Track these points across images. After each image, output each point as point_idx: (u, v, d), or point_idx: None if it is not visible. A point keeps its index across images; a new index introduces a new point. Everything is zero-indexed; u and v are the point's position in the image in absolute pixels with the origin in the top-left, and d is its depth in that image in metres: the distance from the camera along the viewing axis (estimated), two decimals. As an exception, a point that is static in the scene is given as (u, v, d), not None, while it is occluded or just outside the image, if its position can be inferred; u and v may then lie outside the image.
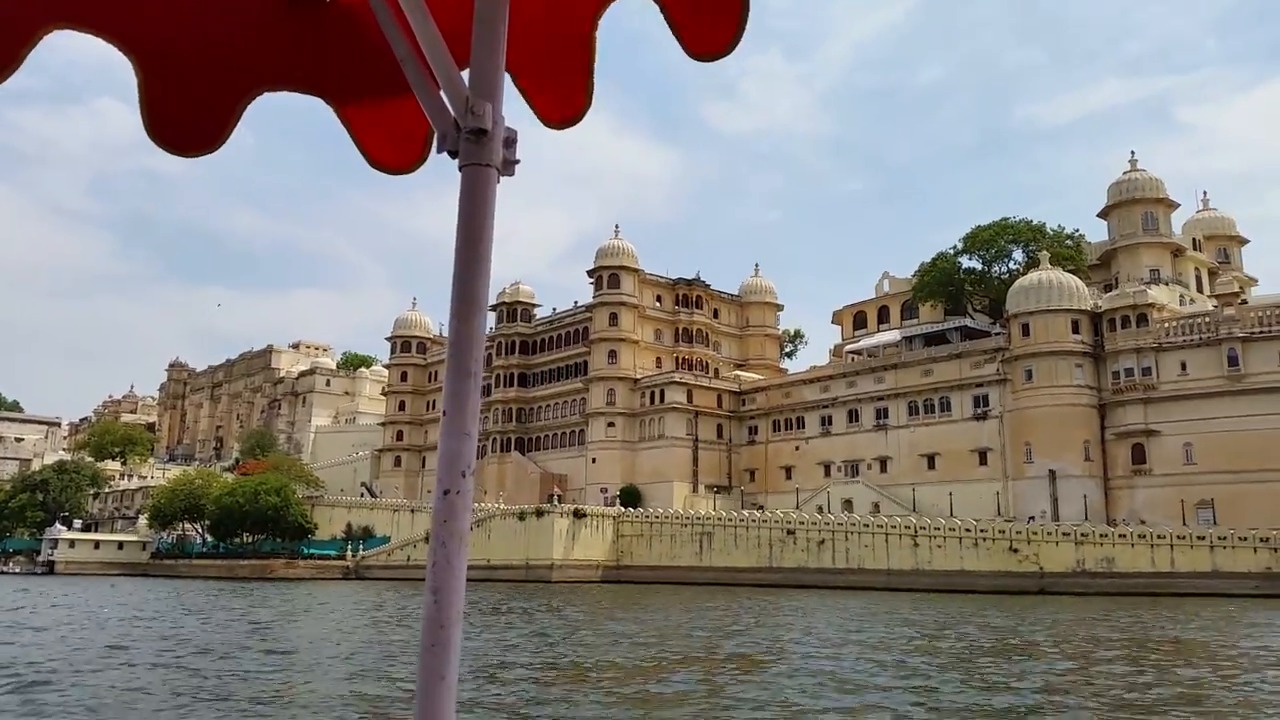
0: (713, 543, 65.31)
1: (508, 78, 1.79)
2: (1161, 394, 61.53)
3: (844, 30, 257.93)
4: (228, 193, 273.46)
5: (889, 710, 15.06)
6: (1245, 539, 47.24)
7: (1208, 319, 62.75)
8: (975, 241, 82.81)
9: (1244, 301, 69.70)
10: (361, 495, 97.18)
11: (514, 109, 1.79)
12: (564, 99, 1.91)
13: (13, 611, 36.56)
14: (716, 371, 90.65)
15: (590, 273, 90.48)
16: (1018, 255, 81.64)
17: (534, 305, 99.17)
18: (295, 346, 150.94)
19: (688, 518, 68.34)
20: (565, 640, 26.16)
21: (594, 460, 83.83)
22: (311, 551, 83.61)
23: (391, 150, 2.03)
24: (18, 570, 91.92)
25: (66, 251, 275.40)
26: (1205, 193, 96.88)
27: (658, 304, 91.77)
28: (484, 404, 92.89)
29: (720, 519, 66.84)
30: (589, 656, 22.65)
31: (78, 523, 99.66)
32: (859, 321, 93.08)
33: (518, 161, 1.71)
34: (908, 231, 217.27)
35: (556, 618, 34.51)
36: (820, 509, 68.20)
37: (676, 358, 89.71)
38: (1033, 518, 58.20)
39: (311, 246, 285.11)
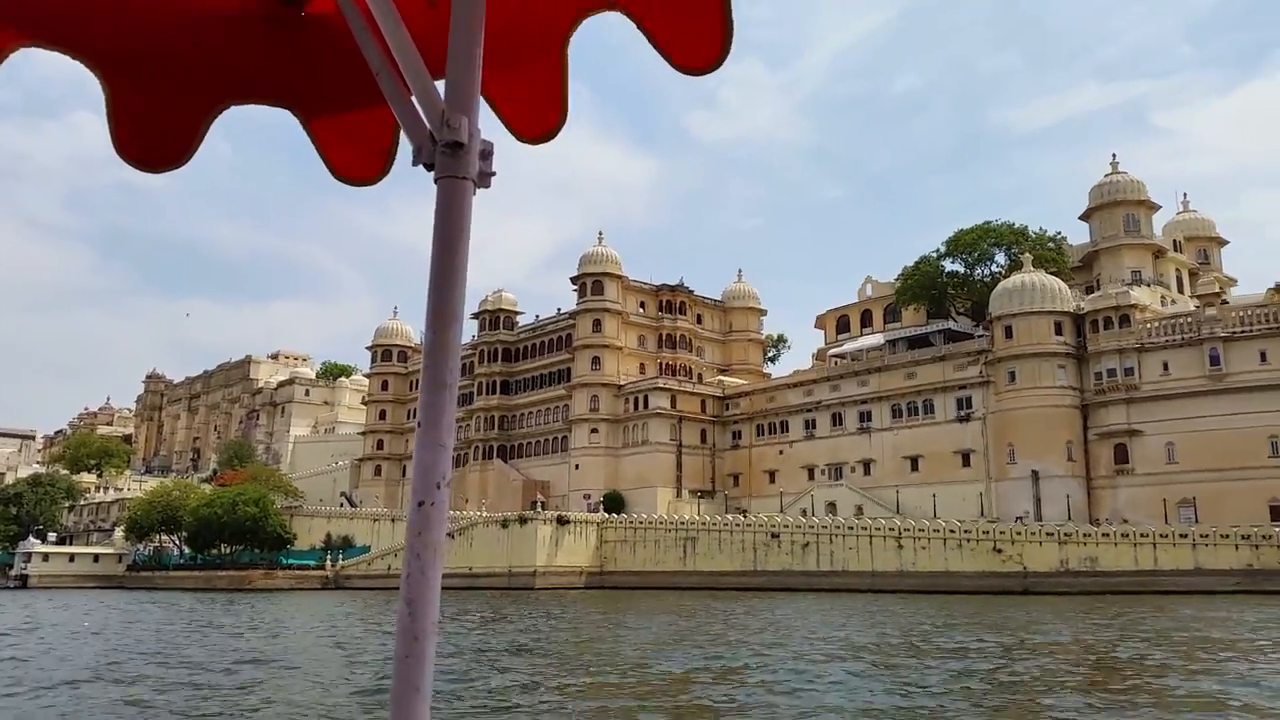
0: (697, 547, 64.80)
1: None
2: (1144, 394, 61.59)
3: (823, 39, 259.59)
4: (205, 204, 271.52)
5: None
6: (1227, 536, 47.23)
7: (1189, 319, 62.94)
8: (958, 245, 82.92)
9: (1224, 302, 70.01)
10: (341, 505, 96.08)
11: (490, 120, 1.79)
12: (537, 114, 1.89)
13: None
14: (700, 377, 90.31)
15: (574, 279, 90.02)
16: (1000, 258, 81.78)
17: (516, 313, 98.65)
18: (274, 357, 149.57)
19: (671, 523, 67.81)
20: (548, 649, 25.57)
21: (577, 467, 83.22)
22: (290, 562, 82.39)
23: (357, 162, 2.02)
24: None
25: (43, 265, 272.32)
26: (1185, 195, 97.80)
27: (641, 310, 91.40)
28: (466, 412, 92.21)
29: (704, 523, 66.34)
30: (571, 668, 22.07)
31: (52, 536, 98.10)
32: (842, 325, 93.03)
33: (493, 174, 1.69)
34: (888, 236, 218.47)
35: (547, 622, 33.90)
36: (804, 512, 67.87)
37: (660, 363, 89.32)
38: (1020, 518, 58.00)
39: (290, 256, 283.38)
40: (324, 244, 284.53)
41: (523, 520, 69.44)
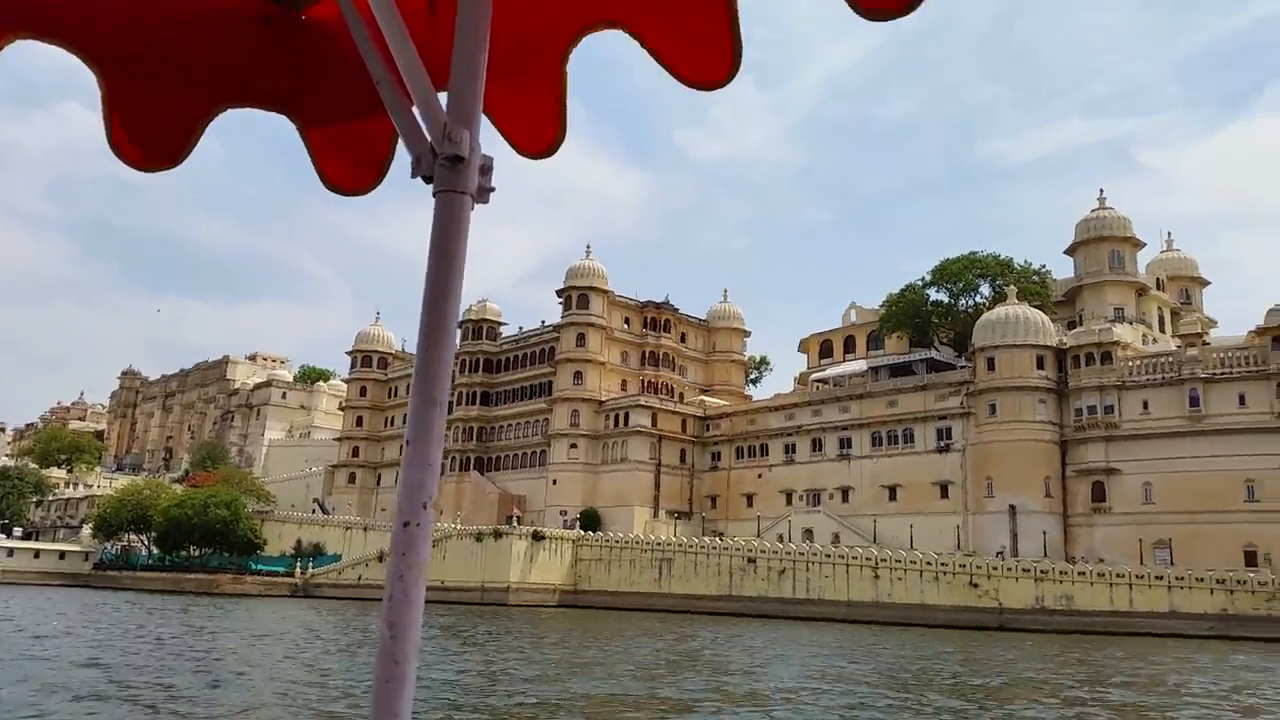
0: (672, 569, 64.30)
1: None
2: (1123, 433, 61.76)
3: (814, 62, 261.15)
4: (191, 201, 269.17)
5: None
6: (1202, 580, 47.23)
7: (1170, 359, 63.26)
8: (943, 274, 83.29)
9: (1206, 343, 70.48)
10: (314, 511, 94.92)
11: (487, 132, 1.77)
12: (537, 129, 1.88)
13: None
14: (681, 396, 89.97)
15: (559, 292, 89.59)
16: (984, 289, 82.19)
17: (500, 324, 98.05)
18: (252, 358, 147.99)
19: (648, 543, 67.26)
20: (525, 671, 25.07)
21: (554, 482, 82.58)
22: (260, 568, 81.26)
23: (349, 172, 2.01)
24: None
25: (22, 255, 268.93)
26: (1169, 234, 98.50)
27: (626, 326, 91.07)
28: (445, 421, 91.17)
29: (680, 545, 65.85)
30: (546, 691, 21.58)
31: (18, 531, 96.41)
32: (825, 350, 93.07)
33: (493, 189, 1.67)
34: (874, 261, 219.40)
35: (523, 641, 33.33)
36: (781, 538, 67.48)
37: (642, 380, 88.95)
38: (1000, 553, 57.75)
39: (274, 258, 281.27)
40: (309, 246, 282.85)
41: (497, 534, 68.75)
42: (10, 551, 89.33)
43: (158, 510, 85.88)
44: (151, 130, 1.86)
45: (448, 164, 1.58)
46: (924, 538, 63.25)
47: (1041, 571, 51.37)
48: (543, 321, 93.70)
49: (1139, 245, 79.42)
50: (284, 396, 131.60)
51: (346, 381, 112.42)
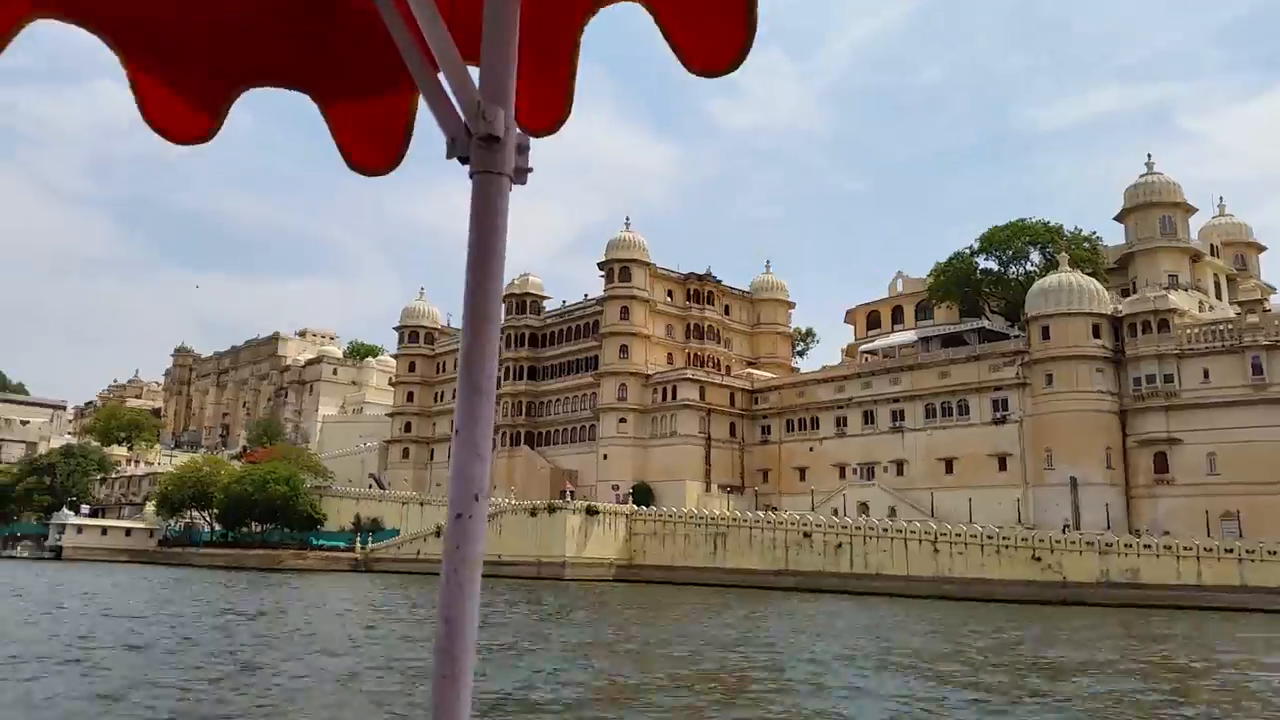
0: (727, 543, 64.81)
1: None
2: (1183, 401, 60.94)
3: (844, 30, 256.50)
4: (225, 178, 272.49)
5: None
6: (1275, 553, 46.64)
7: (1230, 326, 62.18)
8: (991, 242, 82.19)
9: (1266, 309, 69.11)
10: (370, 486, 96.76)
11: None
12: (544, 105, 1.82)
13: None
14: (728, 369, 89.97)
15: (601, 265, 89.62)
16: (1034, 257, 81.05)
17: (543, 297, 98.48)
18: (302, 334, 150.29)
19: (701, 517, 67.78)
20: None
21: (605, 456, 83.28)
22: (321, 543, 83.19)
23: (371, 151, 1.99)
24: (25, 555, 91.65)
25: (66, 233, 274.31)
26: (1221, 198, 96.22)
27: (669, 299, 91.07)
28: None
29: (735, 519, 66.30)
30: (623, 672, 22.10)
31: (85, 508, 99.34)
32: (872, 321, 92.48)
33: (530, 170, 1.64)
34: (911, 231, 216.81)
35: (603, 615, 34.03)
36: (835, 512, 67.67)
37: (688, 354, 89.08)
38: (1066, 526, 57.34)
39: (311, 233, 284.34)
40: (345, 222, 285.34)
41: (551, 509, 69.68)
42: (80, 529, 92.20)
43: (218, 487, 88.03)
44: (179, 108, 1.86)
45: (483, 144, 1.56)
46: (983, 511, 63.02)
47: (1106, 544, 51.06)
48: (585, 295, 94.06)
49: (1190, 210, 77.83)
50: (335, 373, 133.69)
51: (395, 357, 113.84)
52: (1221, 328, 62.48)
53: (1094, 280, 68.28)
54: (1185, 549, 48.80)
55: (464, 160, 1.57)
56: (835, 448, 76.26)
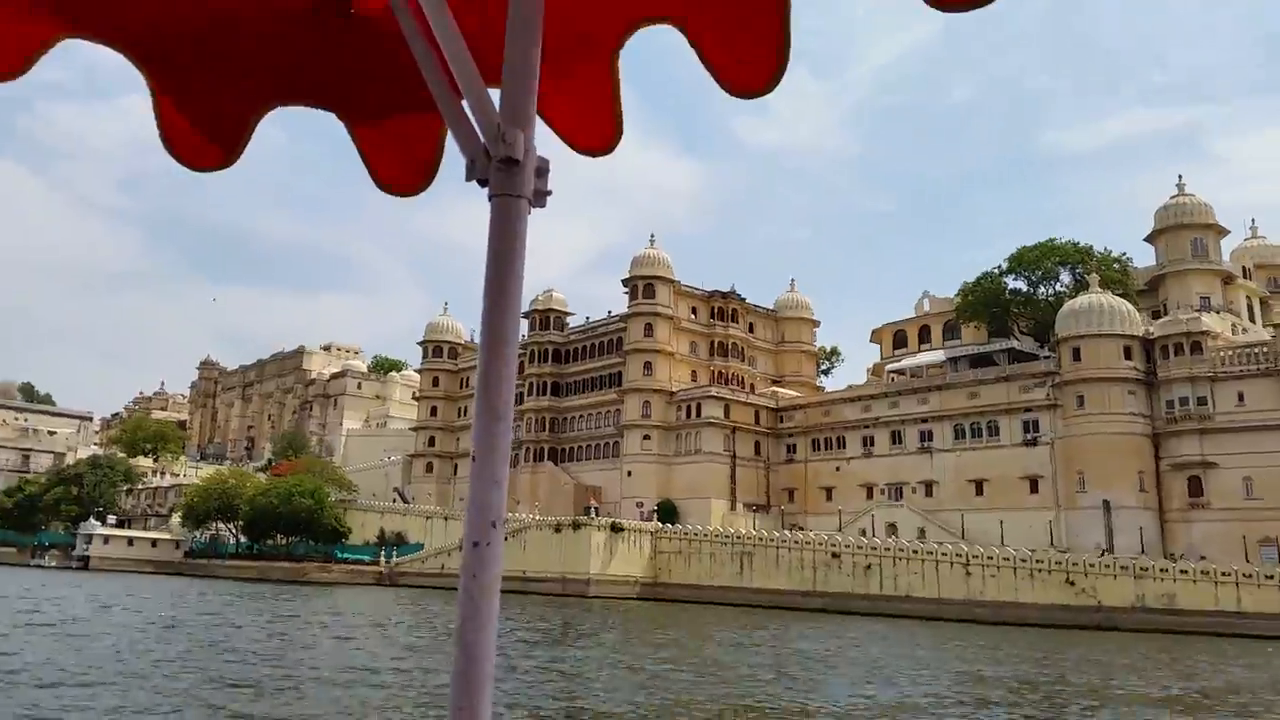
0: (754, 563, 64.40)
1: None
2: (1218, 425, 60.20)
3: (871, 49, 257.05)
4: (255, 194, 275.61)
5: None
6: (1318, 580, 45.89)
7: (1265, 348, 61.46)
8: (1020, 262, 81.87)
9: (1302, 333, 68.22)
10: (394, 500, 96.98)
11: (544, 130, 1.75)
12: (591, 125, 1.85)
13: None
14: (752, 387, 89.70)
15: (625, 282, 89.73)
16: (1064, 277, 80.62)
17: (567, 313, 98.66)
18: (326, 348, 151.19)
19: (728, 536, 67.41)
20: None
21: (629, 473, 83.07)
22: (345, 556, 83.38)
23: (400, 172, 2.00)
24: (53, 564, 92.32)
25: (97, 246, 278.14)
26: (1254, 220, 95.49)
27: (693, 316, 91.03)
28: (516, 412, 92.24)
29: (762, 538, 65.88)
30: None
31: (111, 518, 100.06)
32: (899, 341, 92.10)
33: (549, 193, 1.62)
34: (938, 252, 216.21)
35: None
36: (863, 532, 67.12)
37: (712, 371, 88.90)
38: (1103, 550, 56.60)
39: (337, 249, 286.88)
40: (370, 238, 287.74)
41: (576, 525, 69.51)
42: (106, 539, 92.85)
43: (244, 499, 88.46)
44: (201, 130, 1.86)
45: (503, 167, 1.54)
46: (1014, 534, 62.24)
47: (1141, 569, 50.36)
48: (609, 311, 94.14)
49: (1222, 232, 77.25)
50: (359, 387, 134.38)
51: (419, 371, 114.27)
52: (1256, 350, 61.79)
53: (1125, 301, 67.76)
54: (1224, 574, 48.07)
55: (483, 183, 1.57)
56: (862, 468, 75.73)
